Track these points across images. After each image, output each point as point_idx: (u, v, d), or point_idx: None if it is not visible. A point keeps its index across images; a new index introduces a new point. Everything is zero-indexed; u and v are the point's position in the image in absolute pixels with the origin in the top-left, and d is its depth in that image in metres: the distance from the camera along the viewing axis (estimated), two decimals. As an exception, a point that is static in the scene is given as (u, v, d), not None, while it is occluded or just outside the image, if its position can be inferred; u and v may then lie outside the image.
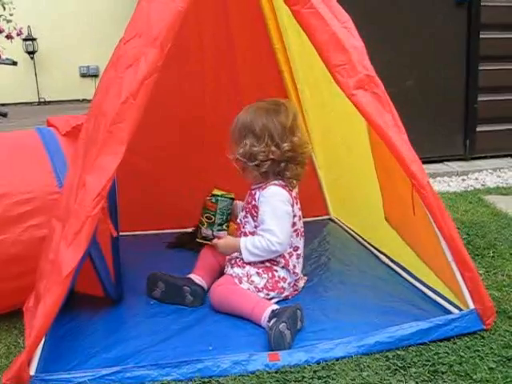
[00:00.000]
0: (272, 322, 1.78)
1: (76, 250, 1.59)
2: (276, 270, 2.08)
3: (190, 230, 2.79)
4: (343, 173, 2.81)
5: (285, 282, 2.08)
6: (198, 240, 2.22)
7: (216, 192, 2.20)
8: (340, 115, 2.52)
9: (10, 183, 1.97)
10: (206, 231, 2.19)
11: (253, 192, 2.12)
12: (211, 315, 1.99)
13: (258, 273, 2.06)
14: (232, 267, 2.10)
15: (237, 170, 2.11)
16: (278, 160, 2.04)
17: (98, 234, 1.78)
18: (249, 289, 2.03)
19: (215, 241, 2.14)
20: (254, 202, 2.10)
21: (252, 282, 2.05)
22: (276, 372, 1.64)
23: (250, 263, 2.07)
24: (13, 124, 5.47)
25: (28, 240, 1.92)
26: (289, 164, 2.06)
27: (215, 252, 2.16)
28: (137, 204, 2.63)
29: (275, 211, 2.04)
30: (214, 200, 2.16)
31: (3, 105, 7.11)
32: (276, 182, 2.08)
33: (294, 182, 2.11)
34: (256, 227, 2.09)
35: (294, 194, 2.11)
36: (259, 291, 2.04)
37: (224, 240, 2.13)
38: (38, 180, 1.99)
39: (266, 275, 2.06)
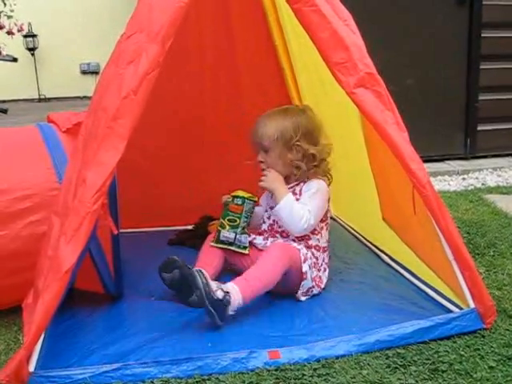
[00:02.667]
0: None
1: (75, 246, 1.59)
2: (319, 270, 2.12)
3: (190, 227, 2.79)
4: (341, 171, 2.81)
5: (322, 283, 2.12)
6: (211, 244, 2.18)
7: (240, 194, 2.18)
8: (337, 115, 2.53)
9: (10, 179, 1.96)
10: (227, 234, 2.16)
11: (292, 190, 2.14)
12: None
13: (314, 262, 2.10)
14: (299, 244, 2.09)
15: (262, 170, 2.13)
16: (324, 159, 2.13)
17: (98, 230, 1.78)
18: (306, 271, 2.04)
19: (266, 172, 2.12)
20: (297, 197, 2.12)
21: (311, 267, 2.06)
22: (276, 369, 1.64)
23: (307, 247, 2.09)
24: (13, 120, 5.47)
25: (28, 236, 1.92)
26: (326, 162, 2.15)
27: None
28: (137, 201, 2.63)
29: (316, 198, 2.09)
30: (240, 202, 2.15)
31: (3, 101, 7.11)
32: (319, 177, 2.14)
33: (330, 177, 2.19)
34: None
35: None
36: (311, 279, 2.06)
37: (276, 174, 2.12)
38: (39, 176, 1.98)
39: (314, 269, 2.10)
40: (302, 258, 2.06)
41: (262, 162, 2.15)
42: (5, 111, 6.10)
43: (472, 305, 1.83)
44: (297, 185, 2.15)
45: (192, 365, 1.63)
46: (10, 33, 5.46)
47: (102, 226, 1.80)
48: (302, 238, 2.12)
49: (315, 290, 2.09)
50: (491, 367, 1.63)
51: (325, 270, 2.16)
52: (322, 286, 2.12)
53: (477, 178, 4.17)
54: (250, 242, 2.18)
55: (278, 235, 2.18)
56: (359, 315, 1.92)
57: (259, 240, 2.18)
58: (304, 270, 2.05)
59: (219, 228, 2.18)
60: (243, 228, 2.17)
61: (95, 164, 1.62)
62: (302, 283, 2.05)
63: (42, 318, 1.55)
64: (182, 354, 1.67)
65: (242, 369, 1.64)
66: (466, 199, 3.52)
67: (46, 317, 1.56)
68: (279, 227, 2.17)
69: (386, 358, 1.68)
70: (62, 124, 2.11)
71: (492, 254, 2.52)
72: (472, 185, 3.99)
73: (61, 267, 1.56)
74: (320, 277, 2.12)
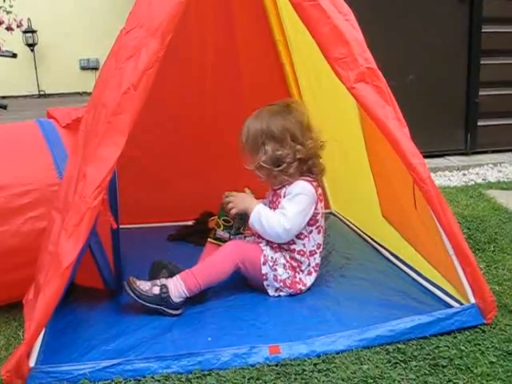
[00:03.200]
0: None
1: (76, 241, 1.58)
2: (298, 273, 2.08)
3: (190, 222, 2.79)
4: (340, 168, 2.81)
5: (304, 286, 2.09)
6: (210, 240, 2.19)
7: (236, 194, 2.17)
8: (336, 111, 2.53)
9: (10, 175, 1.96)
10: (222, 234, 2.17)
11: (278, 191, 2.10)
12: (211, 308, 1.99)
13: (284, 265, 2.06)
14: (266, 245, 2.09)
15: (257, 177, 2.10)
16: (304, 159, 2.04)
17: (99, 225, 1.78)
18: (267, 273, 2.04)
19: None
20: (280, 200, 2.08)
21: (275, 269, 2.05)
22: (276, 365, 1.64)
23: (281, 250, 2.07)
24: (13, 116, 5.45)
25: (28, 232, 1.92)
26: (314, 160, 2.07)
27: (237, 247, 2.08)
28: (138, 196, 2.63)
29: (296, 202, 2.02)
30: (238, 217, 2.13)
31: (3, 97, 7.10)
32: (303, 178, 2.07)
33: (321, 177, 2.13)
34: None
35: (319, 191, 2.10)
36: (277, 281, 2.05)
37: (240, 195, 2.11)
38: (38, 172, 1.98)
39: (290, 271, 2.07)
40: (262, 260, 2.04)
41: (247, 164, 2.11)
42: (4, 107, 6.09)
43: (472, 300, 1.83)
44: (282, 187, 2.09)
45: (192, 360, 1.63)
46: (9, 28, 5.44)
47: (102, 221, 1.80)
48: (284, 242, 2.08)
49: (286, 291, 2.06)
50: (492, 362, 1.63)
51: (310, 273, 2.10)
52: (303, 289, 2.08)
53: (477, 174, 4.17)
54: None
55: None
56: (360, 310, 1.92)
57: (249, 239, 2.19)
58: (263, 271, 2.04)
59: (215, 226, 2.19)
60: (237, 229, 2.17)
61: (95, 159, 1.62)
62: (265, 283, 2.05)
63: (43, 314, 1.56)
64: (182, 350, 1.67)
65: (243, 364, 1.64)
66: (466, 195, 3.52)
67: (47, 313, 1.56)
68: None
69: (387, 354, 1.69)
70: (62, 119, 2.11)
71: (492, 249, 2.52)
72: (472, 180, 3.99)
73: (61, 263, 1.56)
74: (301, 279, 2.08)
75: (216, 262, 2.00)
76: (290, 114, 2.06)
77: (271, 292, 2.07)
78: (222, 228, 2.17)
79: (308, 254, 2.09)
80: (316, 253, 2.12)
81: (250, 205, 2.07)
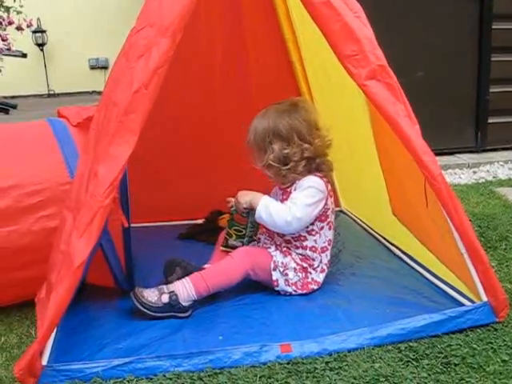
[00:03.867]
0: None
1: (88, 240, 1.59)
2: (310, 273, 2.08)
3: (200, 221, 2.79)
4: (351, 164, 2.81)
5: (317, 285, 2.09)
6: (221, 248, 2.18)
7: None
8: (344, 108, 2.52)
9: (21, 174, 1.97)
10: (234, 243, 2.16)
11: (288, 189, 2.10)
12: (222, 307, 1.99)
13: (295, 268, 2.06)
14: (276, 249, 2.09)
15: (265, 176, 2.10)
16: (312, 157, 2.04)
17: (110, 224, 1.78)
18: (277, 279, 2.04)
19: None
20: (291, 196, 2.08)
21: (286, 274, 2.05)
22: (288, 363, 1.64)
23: (291, 253, 2.07)
24: (22, 116, 5.48)
25: (39, 231, 1.93)
26: (322, 158, 2.07)
27: (248, 253, 2.07)
28: (148, 195, 2.64)
29: (307, 193, 2.02)
30: (244, 214, 2.12)
31: (13, 97, 7.14)
32: (313, 174, 2.07)
33: (330, 173, 2.12)
34: None
35: (329, 187, 2.10)
36: (288, 285, 2.05)
37: (243, 191, 2.10)
38: (50, 171, 1.99)
39: (300, 274, 2.07)
40: (272, 266, 2.04)
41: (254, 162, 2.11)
42: (14, 107, 6.12)
43: (484, 298, 1.82)
44: (291, 185, 2.09)
45: (204, 358, 1.64)
46: (19, 28, 5.46)
47: (113, 220, 1.81)
48: (292, 239, 2.09)
49: (298, 292, 2.06)
50: (504, 361, 1.63)
51: (322, 270, 2.11)
52: (314, 287, 2.08)
53: (488, 171, 4.15)
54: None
55: (275, 234, 2.14)
56: (371, 309, 1.91)
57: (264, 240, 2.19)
58: (274, 278, 2.04)
59: (226, 236, 2.18)
60: (250, 237, 2.17)
61: (107, 158, 1.62)
62: (276, 289, 2.05)
63: (55, 313, 1.56)
64: (193, 348, 1.68)
65: (254, 362, 1.64)
66: (476, 192, 3.50)
67: (59, 311, 1.57)
68: None
69: (399, 352, 1.68)
70: (73, 118, 2.11)
71: (504, 247, 2.51)
72: (483, 178, 3.97)
73: (73, 262, 1.56)
74: (313, 278, 2.08)
75: (227, 268, 2.00)
76: (296, 112, 2.06)
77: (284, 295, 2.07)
78: (234, 238, 2.16)
79: (320, 250, 2.09)
80: (327, 249, 2.12)
81: (254, 197, 2.05)
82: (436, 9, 4.24)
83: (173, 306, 1.89)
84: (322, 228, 2.09)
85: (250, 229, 2.15)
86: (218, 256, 2.18)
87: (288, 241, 2.11)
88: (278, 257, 2.06)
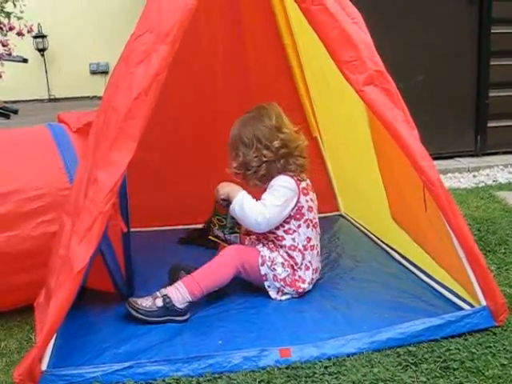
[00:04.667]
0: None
1: (87, 245, 1.59)
2: (297, 270, 2.09)
3: (200, 226, 2.79)
4: (351, 170, 2.82)
5: (304, 283, 2.09)
6: (210, 237, 2.23)
7: None
8: (343, 113, 2.53)
9: (21, 179, 1.98)
10: (217, 232, 2.20)
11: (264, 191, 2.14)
12: (221, 311, 1.99)
13: (282, 263, 2.08)
14: (263, 246, 2.13)
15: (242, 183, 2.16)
16: (273, 160, 2.09)
17: (109, 229, 1.79)
18: (266, 274, 2.06)
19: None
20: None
21: (274, 269, 2.07)
22: (287, 368, 1.64)
23: (277, 249, 2.10)
24: (23, 121, 5.48)
25: (40, 235, 1.93)
26: (288, 159, 2.10)
27: (237, 251, 2.11)
28: (148, 200, 2.64)
29: (276, 193, 2.06)
30: (224, 204, 2.15)
31: (14, 102, 7.14)
32: (284, 173, 2.11)
33: (302, 174, 2.13)
34: None
35: (303, 185, 2.12)
36: (277, 281, 2.06)
37: (225, 182, 2.16)
38: (49, 176, 2.00)
39: (289, 269, 2.08)
40: (260, 261, 2.06)
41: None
42: (15, 112, 6.13)
43: (483, 302, 1.82)
44: (267, 183, 2.14)
45: (203, 363, 1.64)
46: (20, 34, 5.48)
47: (113, 225, 1.81)
48: (274, 238, 2.12)
49: (288, 290, 2.08)
50: (503, 365, 1.63)
51: (307, 268, 2.11)
52: (305, 286, 2.09)
53: (487, 175, 4.15)
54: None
55: (259, 236, 2.18)
56: (370, 313, 1.92)
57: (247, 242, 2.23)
58: (262, 272, 2.06)
59: (211, 225, 2.23)
60: (231, 228, 2.19)
61: (107, 164, 1.63)
62: (266, 284, 2.07)
63: (55, 318, 1.57)
64: (192, 353, 1.68)
65: (253, 367, 1.65)
66: (476, 196, 3.50)
67: (59, 317, 1.57)
68: None
69: (397, 356, 1.68)
70: (73, 124, 2.12)
71: (503, 251, 2.51)
72: (483, 182, 3.97)
73: (73, 267, 1.57)
74: (300, 276, 2.09)
75: (217, 266, 2.03)
76: (259, 118, 2.12)
77: (273, 294, 2.08)
78: (216, 227, 2.20)
79: (301, 248, 2.11)
80: (309, 247, 2.13)
81: (232, 189, 2.11)
82: (434, 14, 4.24)
83: (168, 309, 1.91)
84: (299, 226, 2.11)
85: (230, 219, 2.17)
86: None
87: (271, 240, 2.14)
88: (265, 251, 2.09)
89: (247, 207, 2.04)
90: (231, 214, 2.11)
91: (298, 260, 2.10)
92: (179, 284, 1.97)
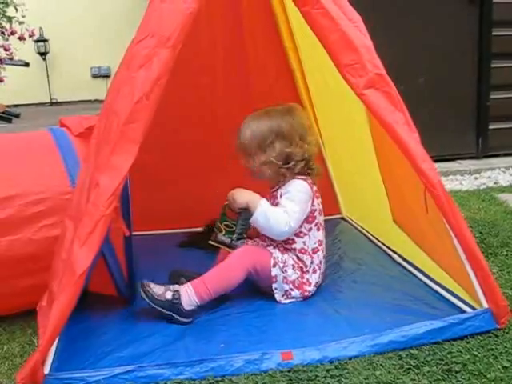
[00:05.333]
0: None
1: (89, 249, 1.60)
2: (305, 273, 2.10)
3: (201, 229, 2.80)
4: (353, 173, 2.82)
5: (310, 286, 2.10)
6: (210, 242, 2.17)
7: None
8: (346, 117, 2.53)
9: (23, 183, 1.98)
10: (223, 238, 2.14)
11: (275, 193, 2.13)
12: (222, 315, 1.99)
13: (293, 266, 2.08)
14: (274, 248, 2.12)
15: (253, 176, 2.13)
16: (309, 158, 2.10)
17: (111, 233, 1.79)
18: (276, 275, 2.05)
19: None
20: (277, 200, 2.10)
21: (285, 271, 2.06)
22: (289, 371, 1.64)
23: (287, 251, 2.10)
24: (25, 125, 5.50)
25: (42, 239, 1.94)
26: (313, 161, 2.13)
27: (248, 252, 2.09)
28: (149, 204, 2.64)
29: (295, 200, 2.05)
30: (238, 211, 2.11)
31: (16, 106, 7.16)
32: (298, 177, 2.11)
33: (314, 177, 2.15)
34: None
35: (314, 188, 2.13)
36: (286, 283, 2.06)
37: (240, 190, 2.10)
38: (51, 180, 2.00)
39: (298, 272, 2.08)
40: (272, 262, 2.05)
41: (248, 167, 2.14)
42: (17, 116, 6.15)
43: (485, 305, 1.82)
44: (278, 188, 2.13)
45: (205, 366, 1.64)
46: (21, 38, 5.51)
47: (115, 228, 1.82)
48: (285, 242, 2.11)
49: (295, 293, 2.07)
50: (505, 367, 1.63)
51: (314, 271, 2.11)
52: (310, 289, 2.09)
53: (489, 177, 4.15)
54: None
55: (266, 238, 2.16)
56: (372, 316, 1.91)
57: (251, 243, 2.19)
58: (273, 273, 2.05)
59: (216, 230, 2.16)
60: (240, 234, 2.14)
61: (108, 168, 1.64)
62: (274, 286, 2.06)
63: (57, 322, 1.57)
64: (195, 356, 1.68)
65: (255, 370, 1.64)
66: (478, 198, 3.50)
67: (61, 320, 1.58)
68: None
69: (399, 359, 1.68)
70: (75, 128, 2.13)
71: (505, 253, 2.51)
72: (484, 184, 3.97)
73: (75, 271, 1.57)
74: (308, 279, 2.09)
75: (227, 269, 2.01)
76: (296, 115, 2.13)
77: (278, 297, 2.07)
78: (223, 233, 2.14)
79: (310, 251, 2.11)
80: (318, 250, 2.13)
81: (252, 199, 2.06)
82: (434, 16, 4.24)
83: (173, 306, 1.91)
84: (310, 229, 2.11)
85: (240, 226, 2.13)
86: (222, 258, 2.17)
87: (280, 243, 2.13)
88: (277, 253, 2.09)
89: (273, 218, 2.02)
90: (252, 224, 2.08)
91: (308, 263, 2.10)
92: (188, 286, 1.96)
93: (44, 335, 1.58)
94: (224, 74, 2.82)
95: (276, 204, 2.10)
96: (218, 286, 1.98)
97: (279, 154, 2.07)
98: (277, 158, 2.07)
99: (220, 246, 2.16)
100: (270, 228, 2.04)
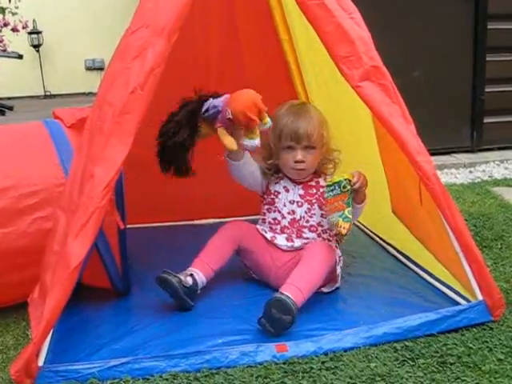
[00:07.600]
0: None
1: (83, 242, 1.59)
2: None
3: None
4: (350, 165, 2.81)
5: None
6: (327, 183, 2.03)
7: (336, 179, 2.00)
8: (346, 108, 2.52)
9: (17, 175, 1.97)
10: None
11: (311, 183, 2.15)
12: (218, 307, 1.99)
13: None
14: (336, 243, 2.16)
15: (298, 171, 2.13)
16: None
17: (105, 226, 1.78)
18: (339, 274, 2.07)
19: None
20: (321, 190, 2.09)
21: (340, 267, 2.09)
22: (284, 363, 1.64)
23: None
24: (19, 117, 5.47)
25: (35, 232, 1.93)
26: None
27: (229, 236, 2.09)
28: (144, 196, 2.63)
29: None
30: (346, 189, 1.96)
31: (9, 98, 7.12)
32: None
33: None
34: (323, 215, 2.09)
35: None
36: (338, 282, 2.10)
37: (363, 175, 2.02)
38: (45, 172, 1.99)
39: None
40: (337, 259, 2.05)
41: (302, 161, 2.07)
42: (10, 108, 6.10)
43: (480, 297, 1.83)
44: (310, 179, 2.15)
45: (200, 358, 1.64)
46: (14, 30, 5.46)
47: (109, 221, 1.81)
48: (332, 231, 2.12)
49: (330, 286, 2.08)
50: (500, 360, 1.63)
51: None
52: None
53: (483, 171, 4.16)
54: (271, 242, 2.11)
55: (305, 230, 2.10)
56: (366, 308, 1.92)
57: (282, 241, 2.10)
58: (338, 272, 2.05)
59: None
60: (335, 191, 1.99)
61: (103, 159, 1.62)
62: (335, 285, 2.07)
63: (51, 315, 1.56)
64: (190, 348, 1.68)
65: (250, 362, 1.65)
66: (472, 192, 3.51)
67: (55, 313, 1.57)
68: (306, 221, 2.10)
69: (394, 351, 1.69)
70: (67, 119, 2.11)
71: (499, 246, 2.51)
72: (479, 177, 3.97)
73: (69, 263, 1.56)
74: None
75: (313, 273, 1.92)
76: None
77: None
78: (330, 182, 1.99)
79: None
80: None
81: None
82: (430, 11, 4.23)
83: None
84: None
85: (349, 193, 1.97)
86: (212, 243, 2.10)
87: (325, 237, 2.15)
88: (338, 249, 2.12)
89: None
90: (359, 206, 2.05)
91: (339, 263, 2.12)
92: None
93: (37, 327, 1.57)
94: (218, 67, 2.80)
95: (319, 194, 2.11)
96: (308, 289, 1.87)
97: (327, 148, 2.14)
98: (330, 151, 2.15)
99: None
100: (356, 217, 2.10)
